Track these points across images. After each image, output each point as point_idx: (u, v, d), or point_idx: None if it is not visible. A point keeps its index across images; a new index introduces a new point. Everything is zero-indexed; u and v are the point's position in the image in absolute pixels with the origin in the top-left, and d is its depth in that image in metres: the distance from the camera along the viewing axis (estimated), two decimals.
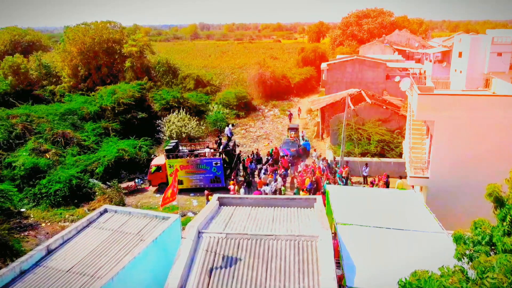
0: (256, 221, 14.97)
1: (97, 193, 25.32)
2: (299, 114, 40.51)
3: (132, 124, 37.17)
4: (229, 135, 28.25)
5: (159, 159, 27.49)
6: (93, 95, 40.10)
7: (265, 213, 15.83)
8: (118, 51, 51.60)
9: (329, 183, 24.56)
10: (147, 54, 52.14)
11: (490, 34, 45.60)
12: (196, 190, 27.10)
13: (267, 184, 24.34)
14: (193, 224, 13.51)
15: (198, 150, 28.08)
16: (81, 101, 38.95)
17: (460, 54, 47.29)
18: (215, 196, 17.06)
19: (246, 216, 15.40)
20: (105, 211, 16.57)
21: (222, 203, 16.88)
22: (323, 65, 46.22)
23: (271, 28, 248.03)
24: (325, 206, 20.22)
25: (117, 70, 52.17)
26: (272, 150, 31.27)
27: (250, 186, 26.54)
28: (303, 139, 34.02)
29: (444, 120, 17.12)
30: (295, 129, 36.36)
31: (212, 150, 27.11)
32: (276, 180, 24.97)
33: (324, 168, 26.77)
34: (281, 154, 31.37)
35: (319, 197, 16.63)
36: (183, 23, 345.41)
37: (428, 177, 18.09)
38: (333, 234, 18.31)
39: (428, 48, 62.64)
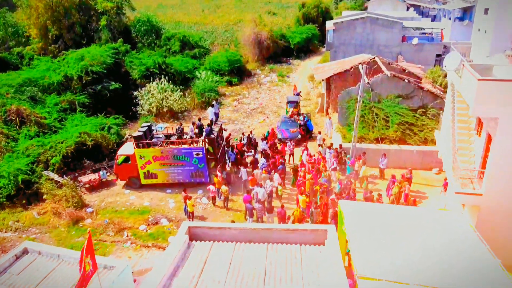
0: (240, 278, 10.04)
1: (46, 194, 20.29)
2: (294, 94, 34.45)
3: (103, 96, 31.56)
4: (213, 117, 22.78)
5: (128, 147, 22.21)
6: (58, 61, 34.08)
7: (255, 257, 10.86)
8: (94, 7, 44.87)
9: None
10: (126, 11, 45.48)
11: None
12: (174, 186, 22.10)
13: (261, 184, 19.23)
14: None
15: (176, 134, 22.69)
16: (43, 68, 33.01)
17: (486, 11, 40.82)
18: (185, 224, 12.07)
19: (225, 267, 10.42)
20: (25, 252, 11.56)
21: (194, 236, 11.91)
22: (329, 24, 39.91)
23: None
24: (336, 226, 15.33)
25: (92, 29, 45.72)
26: (268, 132, 25.96)
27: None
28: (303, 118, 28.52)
29: None
30: (296, 103, 30.83)
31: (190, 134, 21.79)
32: (272, 179, 19.90)
33: (332, 160, 21.59)
34: (278, 136, 26.18)
35: (331, 228, 11.66)
36: None
37: (481, 194, 13.00)
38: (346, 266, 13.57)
39: (443, 3, 55.78)
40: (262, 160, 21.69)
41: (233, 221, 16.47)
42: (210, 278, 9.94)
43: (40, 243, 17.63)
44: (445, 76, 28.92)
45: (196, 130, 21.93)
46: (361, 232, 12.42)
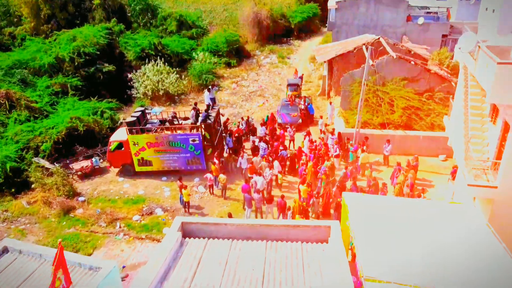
0: (237, 281, 9.26)
1: (34, 183, 19.39)
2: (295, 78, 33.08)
3: (97, 79, 30.40)
4: (209, 102, 21.71)
5: (121, 133, 21.21)
6: (50, 42, 32.77)
7: (252, 257, 10.08)
8: None
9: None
10: None
11: None
12: (170, 173, 21.23)
13: (260, 173, 18.29)
14: None
15: (170, 118, 21.63)
16: (34, 50, 31.74)
17: None
18: (178, 220, 11.25)
19: (221, 268, 9.64)
20: (5, 251, 10.73)
21: (187, 232, 11.10)
22: (331, 3, 38.31)
23: None
24: (339, 219, 14.52)
25: (86, 9, 44.07)
26: (268, 117, 24.94)
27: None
28: (305, 101, 27.38)
29: None
30: (296, 86, 29.73)
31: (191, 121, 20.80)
32: (272, 167, 18.97)
33: (335, 146, 20.67)
34: (278, 121, 25.18)
35: (335, 225, 10.84)
36: None
37: (496, 187, 12.12)
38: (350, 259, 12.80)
39: None
40: (263, 145, 20.70)
41: (230, 214, 15.60)
42: (204, 282, 9.17)
43: (29, 233, 17.10)
44: (452, 57, 27.76)
45: (193, 113, 20.88)
46: (367, 228, 11.60)
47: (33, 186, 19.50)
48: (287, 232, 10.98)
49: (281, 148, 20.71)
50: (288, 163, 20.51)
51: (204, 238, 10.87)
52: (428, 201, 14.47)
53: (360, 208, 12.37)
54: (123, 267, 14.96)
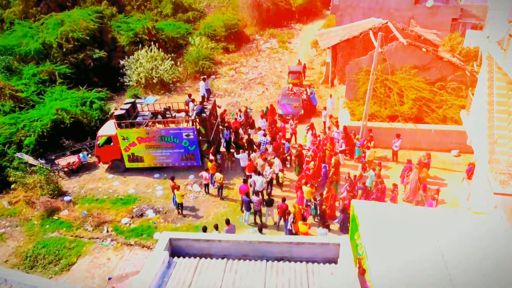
0: None
1: (16, 182, 17.92)
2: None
3: (87, 66, 28.70)
4: (205, 93, 20.08)
5: (109, 127, 19.70)
6: (37, 27, 30.94)
7: (250, 282, 8.75)
8: None
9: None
10: None
11: None
12: (163, 169, 19.81)
13: (259, 172, 16.80)
14: None
15: (162, 110, 20.08)
16: (19, 35, 29.95)
17: None
18: (165, 236, 9.86)
19: None
20: None
21: (176, 250, 9.74)
22: None
23: None
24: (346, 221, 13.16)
25: None
26: (267, 108, 23.34)
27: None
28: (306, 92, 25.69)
29: None
30: (298, 73, 28.08)
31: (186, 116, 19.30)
32: (272, 164, 17.49)
33: (340, 141, 19.19)
34: (279, 112, 23.63)
35: (344, 242, 9.47)
36: None
37: None
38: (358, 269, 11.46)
39: None
40: (264, 140, 19.22)
41: (227, 220, 14.09)
42: None
43: (9, 238, 15.81)
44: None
45: (193, 106, 19.27)
46: (381, 244, 10.20)
47: (12, 186, 18.06)
48: (290, 250, 9.64)
49: (283, 141, 19.21)
50: (293, 158, 19.04)
51: (195, 257, 9.52)
52: (448, 211, 13.01)
53: (372, 220, 10.96)
54: (109, 278, 13.66)
